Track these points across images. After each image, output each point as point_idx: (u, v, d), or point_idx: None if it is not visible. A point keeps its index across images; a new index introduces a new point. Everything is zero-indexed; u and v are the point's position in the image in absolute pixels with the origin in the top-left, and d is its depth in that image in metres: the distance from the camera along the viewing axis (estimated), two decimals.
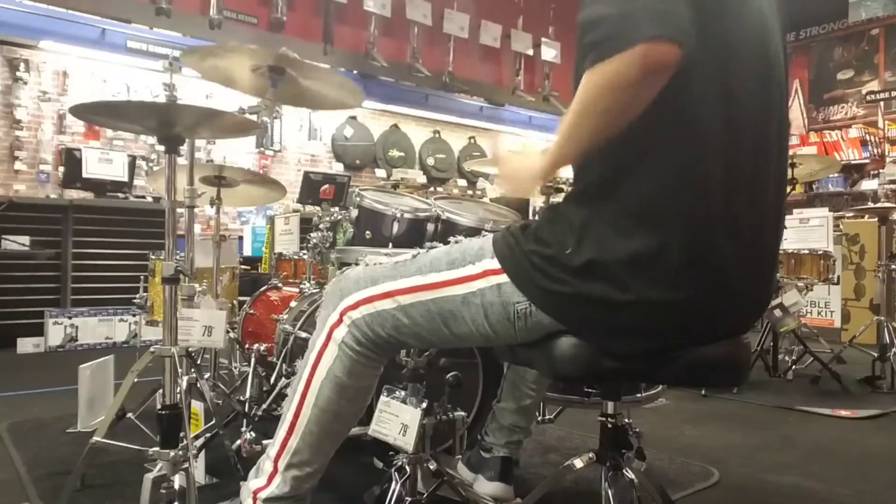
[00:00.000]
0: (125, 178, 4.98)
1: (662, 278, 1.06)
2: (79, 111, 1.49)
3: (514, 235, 1.19)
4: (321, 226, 2.43)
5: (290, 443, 1.37)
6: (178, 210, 1.67)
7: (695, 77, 1.05)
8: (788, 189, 3.91)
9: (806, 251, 3.92)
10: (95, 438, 1.64)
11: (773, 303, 3.68)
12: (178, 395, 1.57)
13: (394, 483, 1.53)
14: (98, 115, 1.73)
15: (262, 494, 1.38)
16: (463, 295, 1.21)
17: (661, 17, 0.96)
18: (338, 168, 7.12)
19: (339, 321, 1.33)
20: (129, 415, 2.18)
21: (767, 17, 1.19)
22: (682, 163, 1.07)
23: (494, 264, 1.18)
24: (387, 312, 1.28)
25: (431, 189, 6.98)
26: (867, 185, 7.82)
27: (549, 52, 8.35)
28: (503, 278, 1.17)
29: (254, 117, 1.97)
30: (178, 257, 1.60)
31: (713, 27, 1.07)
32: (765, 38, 1.17)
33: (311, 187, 3.05)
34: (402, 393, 1.53)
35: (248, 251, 5.66)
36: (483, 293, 1.19)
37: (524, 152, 1.32)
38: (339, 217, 2.39)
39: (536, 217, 1.25)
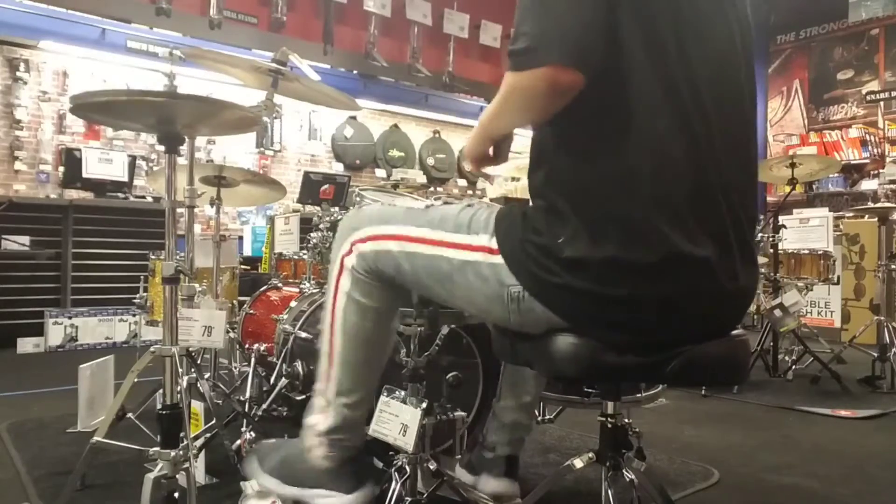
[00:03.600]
0: (125, 178, 4.99)
1: (645, 276, 1.09)
2: (78, 101, 1.43)
3: (514, 220, 1.22)
4: (321, 226, 2.44)
5: (332, 373, 1.44)
6: (178, 210, 1.66)
7: (643, 83, 1.09)
8: (788, 189, 3.98)
9: (806, 251, 3.93)
10: (95, 438, 1.63)
11: (773, 303, 3.68)
12: (178, 395, 1.57)
13: (394, 483, 1.53)
14: (98, 108, 1.66)
15: (320, 428, 1.44)
16: (461, 261, 1.25)
17: (570, 45, 1.05)
18: (338, 168, 7.11)
19: (350, 251, 1.41)
20: (129, 415, 2.18)
21: (728, 17, 1.21)
22: (637, 168, 1.10)
23: (494, 244, 1.22)
24: (391, 253, 1.35)
25: (431, 189, 6.97)
26: (867, 185, 7.84)
27: None
28: (500, 259, 1.20)
29: None
30: (178, 257, 1.60)
31: (661, 29, 1.10)
32: (725, 38, 1.20)
33: (311, 187, 3.06)
34: (402, 393, 1.54)
35: (248, 251, 5.67)
36: (479, 265, 1.23)
37: None
38: (339, 217, 2.40)
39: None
